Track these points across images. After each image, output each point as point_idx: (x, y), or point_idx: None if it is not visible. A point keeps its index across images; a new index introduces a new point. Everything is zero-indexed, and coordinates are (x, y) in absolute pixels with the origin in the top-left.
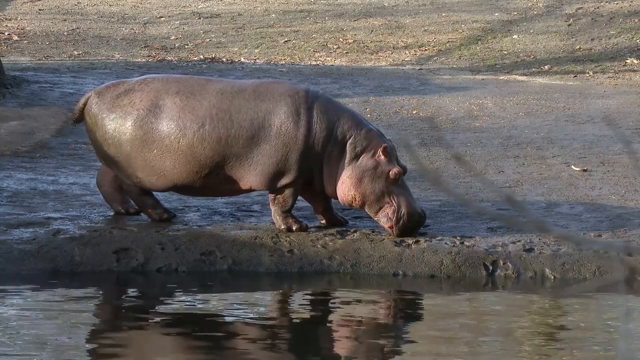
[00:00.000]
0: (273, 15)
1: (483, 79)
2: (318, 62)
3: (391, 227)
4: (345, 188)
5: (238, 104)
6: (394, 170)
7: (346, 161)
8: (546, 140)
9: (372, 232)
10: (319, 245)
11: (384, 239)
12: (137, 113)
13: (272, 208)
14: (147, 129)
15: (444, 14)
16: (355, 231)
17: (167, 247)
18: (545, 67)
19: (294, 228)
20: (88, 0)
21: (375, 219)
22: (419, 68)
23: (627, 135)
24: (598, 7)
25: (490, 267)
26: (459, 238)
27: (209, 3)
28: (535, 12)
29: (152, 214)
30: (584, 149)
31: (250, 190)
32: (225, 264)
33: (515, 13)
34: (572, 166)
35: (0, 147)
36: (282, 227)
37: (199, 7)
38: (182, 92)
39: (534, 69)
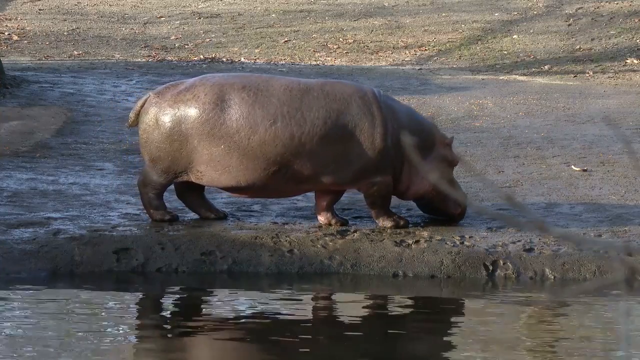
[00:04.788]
0: (273, 15)
1: (483, 79)
2: (318, 62)
3: (459, 213)
4: (426, 180)
5: (308, 102)
6: (457, 158)
7: (421, 156)
8: (546, 140)
9: (372, 232)
10: (319, 245)
11: (384, 239)
12: (203, 107)
13: (373, 210)
14: (214, 123)
15: (444, 14)
16: (355, 231)
17: (167, 247)
18: (545, 67)
19: (401, 223)
20: (88, 0)
21: (443, 207)
22: (419, 68)
23: (627, 135)
24: (598, 7)
25: (490, 267)
26: (459, 238)
27: (209, 3)
28: (535, 12)
29: (155, 215)
30: (584, 149)
31: (312, 189)
32: (225, 264)
33: (515, 13)
34: (572, 166)
35: (0, 147)
36: (389, 224)
37: (199, 7)
38: (248, 88)
39: (534, 69)
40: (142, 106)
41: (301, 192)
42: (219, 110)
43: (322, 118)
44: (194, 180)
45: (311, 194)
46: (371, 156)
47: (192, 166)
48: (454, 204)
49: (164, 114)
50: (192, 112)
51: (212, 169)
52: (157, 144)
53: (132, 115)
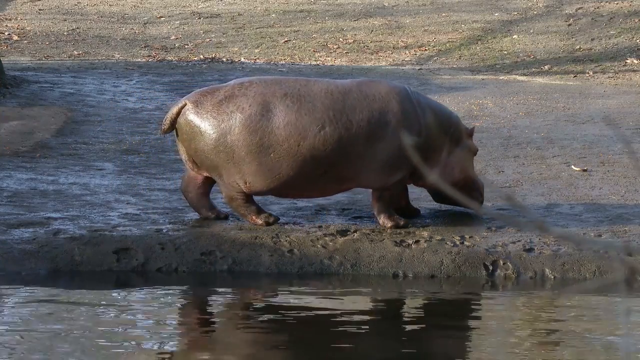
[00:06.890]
0: (273, 15)
1: (483, 79)
2: (318, 62)
3: (481, 203)
4: (457, 172)
5: (351, 104)
6: (477, 147)
7: (451, 148)
8: (546, 140)
9: (372, 232)
10: (319, 245)
11: (384, 239)
12: (250, 119)
13: (377, 205)
14: (263, 133)
15: (444, 14)
16: (355, 231)
17: (167, 247)
18: (545, 67)
19: (401, 224)
20: (88, 0)
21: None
22: (419, 68)
23: (627, 135)
24: (598, 7)
25: (490, 267)
26: (459, 238)
27: (209, 3)
28: (535, 12)
29: (257, 218)
30: (584, 149)
31: (351, 188)
32: (225, 264)
33: (515, 13)
34: (572, 166)
35: (0, 147)
36: (389, 224)
37: (199, 7)
38: (290, 95)
39: (534, 69)
40: (177, 114)
41: (341, 192)
42: (265, 120)
43: (366, 119)
44: (245, 191)
45: None
46: (408, 152)
47: (241, 176)
48: (477, 194)
49: (206, 125)
50: (238, 124)
51: (261, 177)
52: (203, 153)
53: (166, 122)
